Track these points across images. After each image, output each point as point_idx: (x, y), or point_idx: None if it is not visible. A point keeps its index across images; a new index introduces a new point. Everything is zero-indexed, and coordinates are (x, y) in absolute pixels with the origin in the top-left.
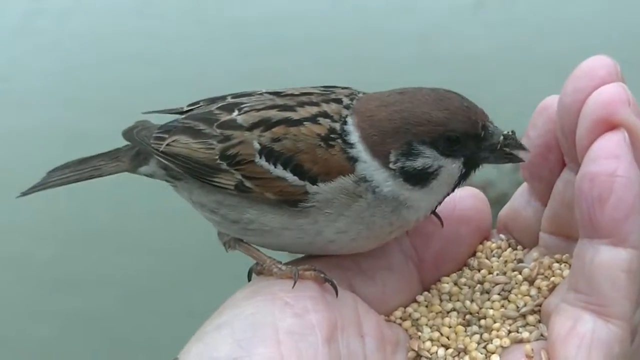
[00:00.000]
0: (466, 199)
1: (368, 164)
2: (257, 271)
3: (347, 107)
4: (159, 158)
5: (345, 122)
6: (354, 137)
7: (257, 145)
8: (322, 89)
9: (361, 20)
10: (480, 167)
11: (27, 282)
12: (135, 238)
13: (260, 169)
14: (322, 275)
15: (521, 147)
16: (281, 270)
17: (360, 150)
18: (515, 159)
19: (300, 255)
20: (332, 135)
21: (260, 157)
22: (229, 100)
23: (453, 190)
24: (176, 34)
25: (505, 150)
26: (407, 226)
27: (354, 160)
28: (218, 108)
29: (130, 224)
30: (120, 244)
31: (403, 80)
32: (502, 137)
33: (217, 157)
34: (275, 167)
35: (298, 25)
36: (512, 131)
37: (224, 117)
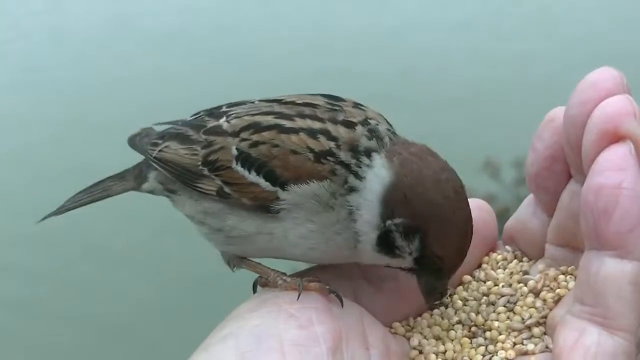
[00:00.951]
0: (472, 211)
1: (368, 202)
2: (262, 283)
3: (369, 147)
4: (153, 164)
5: (364, 155)
6: (375, 174)
7: (234, 151)
8: (328, 102)
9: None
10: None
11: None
12: (144, 252)
13: (237, 174)
14: (327, 287)
15: (435, 304)
16: (286, 282)
17: (370, 188)
18: (428, 301)
19: (305, 266)
20: (328, 157)
21: (237, 163)
22: (223, 109)
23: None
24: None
25: (432, 293)
26: (351, 259)
27: (350, 189)
28: (208, 115)
29: (138, 237)
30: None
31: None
32: (441, 290)
33: (199, 163)
34: (250, 173)
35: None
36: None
37: (211, 123)
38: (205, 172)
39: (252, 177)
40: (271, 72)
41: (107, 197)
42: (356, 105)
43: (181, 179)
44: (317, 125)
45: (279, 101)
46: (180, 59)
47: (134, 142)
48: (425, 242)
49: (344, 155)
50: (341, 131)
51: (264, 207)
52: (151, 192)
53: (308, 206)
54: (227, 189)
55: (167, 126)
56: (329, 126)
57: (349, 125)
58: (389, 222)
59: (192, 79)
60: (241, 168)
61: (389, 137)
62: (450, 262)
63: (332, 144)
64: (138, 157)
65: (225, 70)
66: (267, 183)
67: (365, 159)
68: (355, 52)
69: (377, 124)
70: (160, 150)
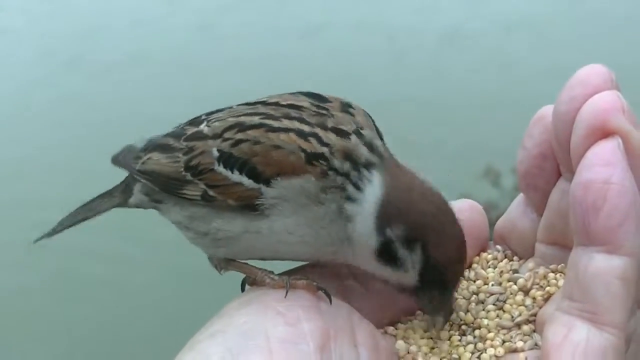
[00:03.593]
0: (463, 211)
1: (365, 213)
2: (249, 282)
3: (369, 160)
4: (137, 177)
5: (366, 169)
6: (373, 189)
7: (215, 153)
8: (314, 104)
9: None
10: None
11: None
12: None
13: (220, 175)
14: (314, 284)
15: (443, 323)
16: (273, 280)
17: (368, 200)
18: (436, 320)
19: (295, 265)
20: (320, 161)
21: (219, 164)
22: (202, 117)
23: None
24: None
25: (438, 311)
26: (338, 258)
27: (348, 198)
28: (188, 124)
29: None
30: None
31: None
32: (448, 307)
33: (182, 169)
34: (233, 173)
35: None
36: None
37: (191, 130)
38: (189, 177)
39: (236, 176)
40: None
41: (96, 215)
42: (343, 107)
43: (166, 189)
44: (306, 128)
45: (262, 102)
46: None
47: (118, 160)
48: (426, 251)
49: (338, 163)
50: (332, 138)
51: (250, 206)
52: (138, 205)
53: (295, 200)
54: (211, 192)
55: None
56: (319, 131)
57: (342, 134)
58: (388, 230)
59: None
60: (223, 169)
61: (386, 152)
62: (453, 272)
63: (325, 149)
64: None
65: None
66: (250, 181)
67: (366, 172)
68: (351, 54)
69: (372, 138)
70: (143, 163)
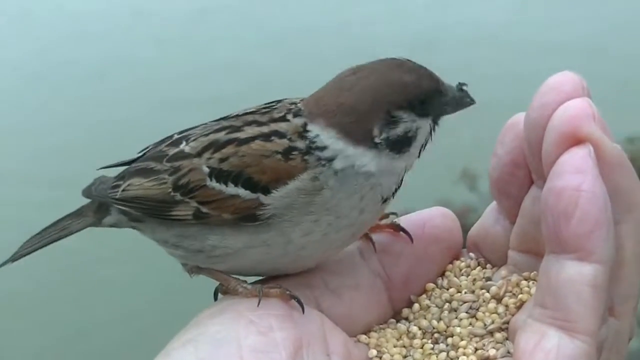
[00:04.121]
0: (436, 218)
1: (351, 156)
2: (222, 291)
3: (298, 119)
4: (118, 206)
5: (306, 132)
6: (328, 137)
7: (206, 169)
8: (261, 105)
9: None
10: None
11: None
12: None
13: (213, 191)
14: (287, 292)
15: (468, 94)
16: (246, 289)
17: (339, 147)
18: (467, 102)
19: None
20: (293, 153)
21: (211, 180)
22: (175, 137)
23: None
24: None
25: (457, 98)
26: (376, 203)
27: (328, 160)
28: (166, 145)
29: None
30: None
31: None
32: (458, 89)
33: (170, 189)
34: (227, 186)
35: None
36: (461, 83)
37: (173, 150)
38: (178, 197)
39: (231, 189)
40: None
41: (66, 237)
42: (279, 101)
43: (152, 212)
44: (265, 129)
45: (224, 118)
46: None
47: (90, 192)
48: (399, 104)
49: (300, 144)
50: (283, 126)
51: (249, 217)
52: (114, 225)
53: (299, 202)
54: (204, 209)
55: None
56: (273, 126)
57: (283, 119)
58: (376, 139)
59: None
60: (217, 183)
61: (303, 106)
62: (426, 80)
63: (285, 141)
64: None
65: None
66: (247, 192)
67: (310, 134)
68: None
69: (296, 104)
70: (123, 190)
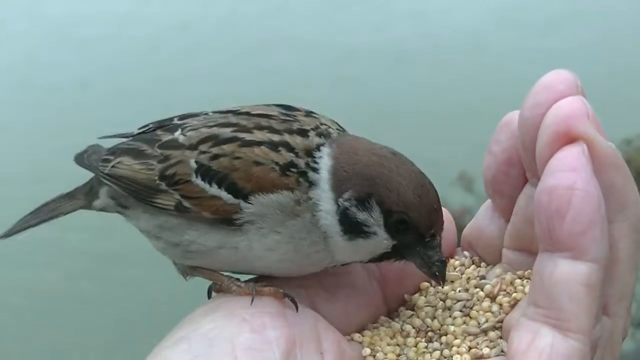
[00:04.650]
0: None
1: (323, 191)
2: (216, 289)
3: (318, 140)
4: (105, 180)
5: (317, 151)
6: (324, 163)
7: (193, 164)
8: (283, 112)
9: None
10: (401, 262)
11: None
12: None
13: (197, 188)
14: (281, 290)
15: (444, 278)
16: (240, 287)
17: (322, 176)
18: (434, 280)
19: None
20: (291, 169)
21: (197, 176)
22: (175, 121)
23: (369, 261)
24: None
25: (433, 271)
26: (322, 265)
27: (310, 184)
28: (161, 129)
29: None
30: None
31: None
32: (438, 259)
33: (156, 177)
34: (211, 186)
35: None
36: (447, 260)
37: (166, 137)
38: (163, 186)
39: (214, 190)
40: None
41: (57, 217)
42: (309, 113)
43: (136, 195)
44: (276, 137)
45: (233, 112)
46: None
47: (82, 160)
48: (382, 202)
49: (302, 163)
50: (298, 141)
51: (226, 220)
52: (103, 209)
53: (273, 216)
54: (186, 203)
55: (116, 141)
56: (287, 137)
57: (303, 133)
58: (340, 200)
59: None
60: (201, 181)
61: (336, 133)
62: (419, 214)
63: (291, 155)
64: None
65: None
66: (229, 196)
67: (317, 153)
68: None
69: (328, 128)
70: (112, 167)
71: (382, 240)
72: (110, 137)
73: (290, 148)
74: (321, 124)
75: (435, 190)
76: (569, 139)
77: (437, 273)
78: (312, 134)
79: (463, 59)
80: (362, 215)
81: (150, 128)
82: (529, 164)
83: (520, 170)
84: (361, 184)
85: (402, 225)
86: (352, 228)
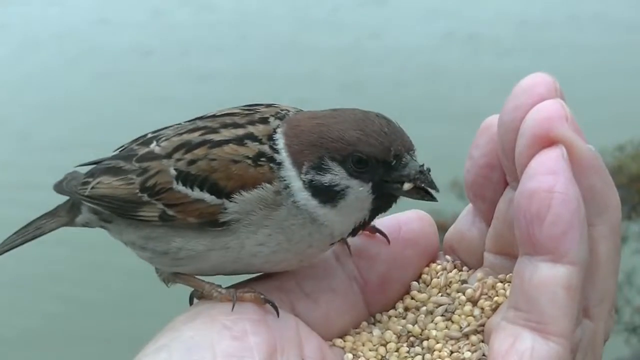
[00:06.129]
0: (412, 222)
1: (289, 171)
2: (197, 296)
3: (276, 122)
4: (87, 203)
5: (274, 133)
6: (280, 143)
7: (173, 172)
8: (246, 108)
9: None
10: (397, 198)
11: None
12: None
13: (179, 194)
14: (262, 296)
15: (432, 185)
16: (221, 293)
17: (284, 157)
18: (427, 197)
19: (243, 278)
20: (261, 159)
21: (178, 183)
22: (148, 135)
23: (371, 218)
24: None
25: (418, 185)
26: (324, 243)
27: (278, 165)
28: (137, 144)
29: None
30: None
31: None
32: (415, 172)
33: (137, 190)
34: (193, 190)
35: None
36: (428, 168)
37: (142, 150)
38: (145, 198)
39: (196, 193)
40: None
41: (41, 235)
42: (270, 105)
43: (119, 212)
44: (240, 131)
45: (200, 117)
46: None
47: (61, 187)
48: (333, 156)
49: (267, 148)
50: (260, 128)
51: (211, 222)
52: (86, 224)
53: (257, 212)
54: (170, 212)
55: (92, 166)
56: (250, 128)
57: (264, 121)
58: (302, 176)
59: None
60: (182, 187)
61: (293, 113)
62: (370, 144)
63: (257, 144)
64: None
65: None
66: (212, 197)
67: (275, 135)
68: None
69: (287, 112)
70: (92, 188)
71: (358, 190)
72: (87, 164)
73: (254, 138)
74: (281, 110)
75: (386, 118)
76: (548, 141)
77: (422, 185)
78: (271, 119)
79: (463, 61)
80: (326, 179)
81: (125, 147)
82: (509, 168)
83: (501, 174)
84: (310, 151)
85: (361, 164)
86: (326, 196)
